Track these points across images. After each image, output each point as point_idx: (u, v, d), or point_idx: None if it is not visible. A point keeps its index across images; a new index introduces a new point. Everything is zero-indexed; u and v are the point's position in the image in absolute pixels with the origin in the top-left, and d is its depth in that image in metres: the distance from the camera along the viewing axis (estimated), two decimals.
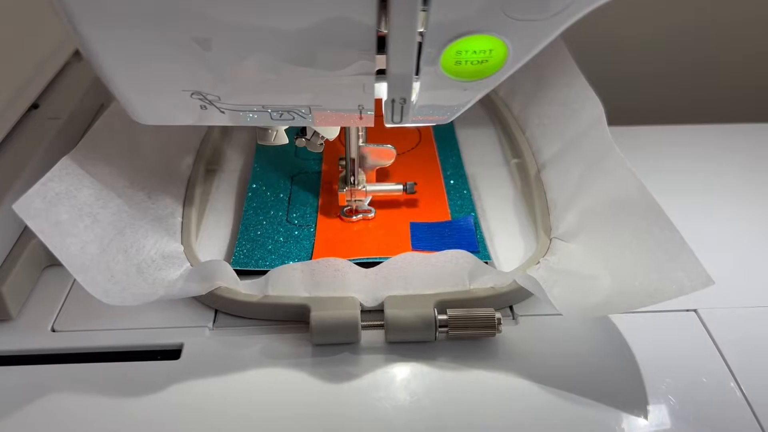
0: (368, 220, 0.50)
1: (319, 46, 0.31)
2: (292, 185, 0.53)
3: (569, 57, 0.56)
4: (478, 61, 0.32)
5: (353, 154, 0.47)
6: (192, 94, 0.34)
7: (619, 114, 0.53)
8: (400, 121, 0.36)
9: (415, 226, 0.49)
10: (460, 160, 0.56)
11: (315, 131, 0.46)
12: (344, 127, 0.46)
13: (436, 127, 0.60)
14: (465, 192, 0.52)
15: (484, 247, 0.47)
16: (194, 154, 0.55)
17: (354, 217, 0.49)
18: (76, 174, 0.40)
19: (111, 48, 0.31)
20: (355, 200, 0.49)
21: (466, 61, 0.32)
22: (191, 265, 0.44)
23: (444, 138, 0.59)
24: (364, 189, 0.48)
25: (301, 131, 0.47)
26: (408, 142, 0.58)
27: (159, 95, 0.34)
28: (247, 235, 0.48)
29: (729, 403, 0.37)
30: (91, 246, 0.38)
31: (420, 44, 0.30)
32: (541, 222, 0.48)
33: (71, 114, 0.53)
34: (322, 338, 0.39)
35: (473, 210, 0.50)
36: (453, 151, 0.58)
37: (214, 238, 0.49)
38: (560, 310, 0.37)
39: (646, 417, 0.36)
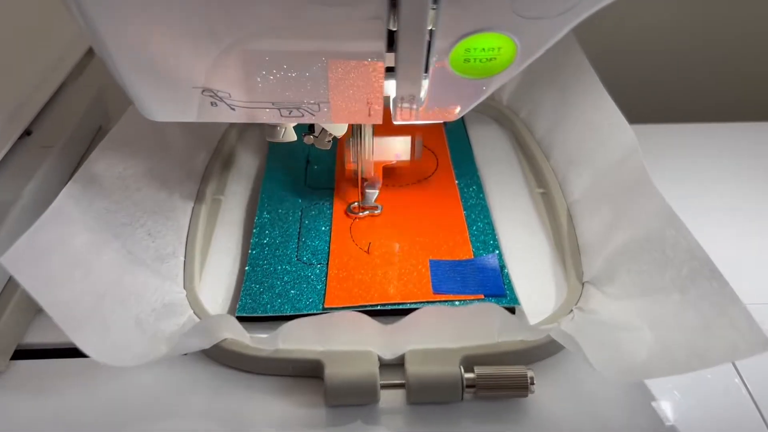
0: (375, 216, 0.49)
1: (330, 43, 0.31)
2: (302, 218, 0.50)
3: (596, 79, 0.53)
4: (487, 59, 0.32)
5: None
6: (203, 91, 0.33)
7: (623, 112, 0.50)
8: (409, 119, 0.36)
9: (435, 265, 0.45)
10: (480, 190, 0.53)
11: (323, 128, 0.45)
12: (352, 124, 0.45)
13: (454, 151, 0.57)
14: (487, 226, 0.49)
15: (511, 289, 0.43)
16: (198, 183, 0.52)
17: (361, 213, 0.49)
18: (70, 217, 0.37)
19: (122, 44, 0.31)
20: (362, 167, 0.47)
21: (475, 58, 0.32)
22: (194, 312, 0.41)
23: (462, 163, 0.56)
24: (371, 157, 0.47)
25: (310, 129, 0.46)
26: (424, 168, 0.55)
27: (170, 92, 0.34)
28: (254, 277, 0.44)
29: (734, 399, 0.37)
30: (86, 299, 0.35)
31: (429, 42, 0.31)
32: (572, 265, 0.44)
33: (66, 141, 0.50)
34: (338, 400, 0.36)
35: (497, 245, 0.47)
36: (473, 179, 0.54)
37: (218, 277, 0.46)
38: (599, 369, 0.34)
39: (650, 412, 0.35)
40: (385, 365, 0.38)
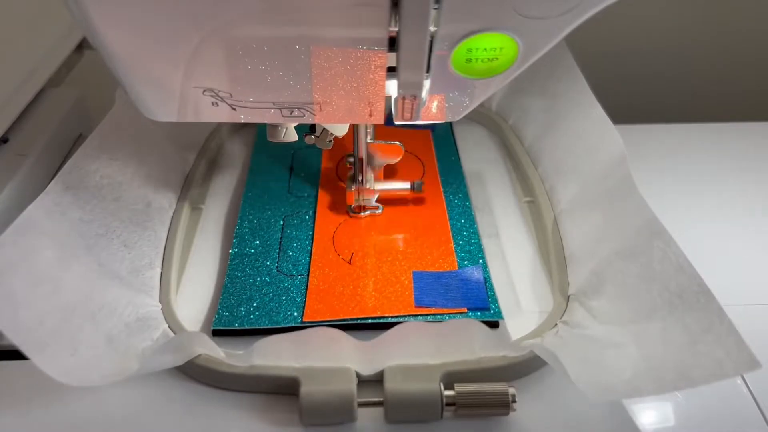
0: (376, 216, 0.49)
1: (331, 42, 0.31)
2: (284, 227, 0.49)
3: (586, 86, 0.52)
4: (489, 59, 0.32)
5: (361, 153, 0.46)
6: (204, 91, 0.33)
7: (617, 112, 0.50)
8: (410, 119, 0.36)
9: (418, 276, 0.44)
10: (467, 198, 0.52)
11: (324, 128, 0.45)
12: (353, 126, 0.45)
13: (441, 159, 0.56)
14: (473, 235, 0.48)
15: (495, 302, 0.42)
16: (178, 191, 0.51)
17: (362, 213, 0.49)
18: (39, 229, 0.36)
19: (124, 43, 0.31)
20: (363, 198, 0.49)
21: (477, 58, 0.32)
22: (169, 327, 0.40)
23: (449, 171, 0.55)
24: (372, 187, 0.49)
25: (311, 128, 0.46)
26: (410, 175, 0.54)
27: (171, 91, 0.34)
28: (233, 289, 0.43)
29: (736, 400, 0.36)
30: (52, 318, 0.34)
31: (431, 42, 0.31)
32: (558, 277, 0.43)
33: (43, 149, 0.49)
34: (313, 418, 0.35)
35: (482, 256, 0.46)
36: (459, 187, 0.53)
37: (196, 289, 0.45)
38: (582, 389, 0.33)
39: (652, 413, 0.35)
40: (364, 382, 0.37)
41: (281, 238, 0.48)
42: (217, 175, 0.55)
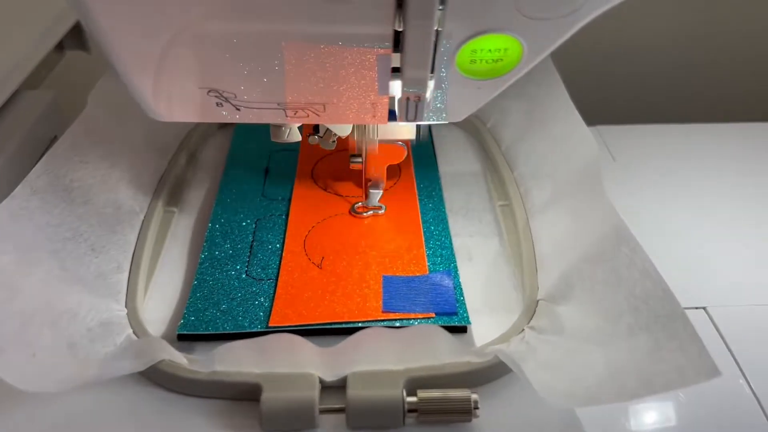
0: (378, 216, 0.50)
1: (335, 43, 0.31)
2: (256, 230, 0.48)
3: (564, 91, 0.52)
4: (493, 60, 0.32)
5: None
6: (209, 91, 0.34)
7: (616, 112, 0.49)
8: (414, 119, 0.36)
9: (388, 281, 0.44)
10: (441, 202, 0.51)
11: (327, 128, 0.45)
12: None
13: (417, 161, 0.56)
14: (446, 239, 0.48)
15: (464, 307, 0.42)
16: (150, 195, 0.50)
17: (365, 213, 0.50)
18: (1, 234, 0.36)
19: (128, 43, 0.31)
20: (366, 150, 0.48)
21: (482, 59, 0.32)
22: (133, 332, 0.39)
23: (425, 174, 0.55)
24: (375, 138, 0.47)
25: (314, 129, 0.46)
26: (386, 177, 0.53)
27: (176, 92, 0.34)
28: (200, 293, 0.43)
29: (738, 400, 0.36)
30: (10, 323, 0.33)
31: (435, 43, 0.31)
32: (528, 281, 0.43)
33: (14, 152, 0.48)
34: (274, 425, 0.35)
35: (453, 260, 0.46)
36: (435, 190, 0.53)
37: (165, 293, 0.44)
38: (543, 395, 0.32)
39: (655, 413, 0.35)
40: (328, 388, 0.36)
41: (252, 241, 0.47)
42: (191, 178, 0.55)
